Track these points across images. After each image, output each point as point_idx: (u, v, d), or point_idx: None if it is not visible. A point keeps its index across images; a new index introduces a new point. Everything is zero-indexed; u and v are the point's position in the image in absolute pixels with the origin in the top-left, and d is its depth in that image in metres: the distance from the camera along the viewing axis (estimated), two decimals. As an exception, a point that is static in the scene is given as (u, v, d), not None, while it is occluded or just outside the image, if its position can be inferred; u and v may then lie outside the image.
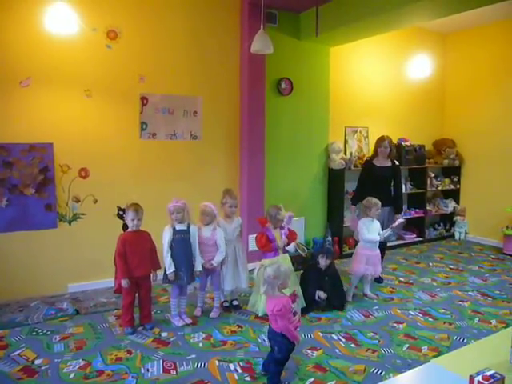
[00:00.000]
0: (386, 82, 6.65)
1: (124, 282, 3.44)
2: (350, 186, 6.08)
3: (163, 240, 3.66)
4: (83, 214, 4.46)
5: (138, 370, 3.00)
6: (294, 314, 2.84)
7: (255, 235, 4.16)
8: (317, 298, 4.01)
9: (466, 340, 3.50)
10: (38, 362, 3.09)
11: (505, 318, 3.96)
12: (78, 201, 4.42)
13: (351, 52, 6.15)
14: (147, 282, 3.61)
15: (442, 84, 7.32)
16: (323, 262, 4.03)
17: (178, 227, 3.68)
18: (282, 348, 2.77)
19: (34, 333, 3.54)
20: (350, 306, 4.22)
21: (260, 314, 3.90)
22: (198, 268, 3.76)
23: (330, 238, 4.13)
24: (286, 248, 4.05)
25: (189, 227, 3.72)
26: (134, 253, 3.48)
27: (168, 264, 3.62)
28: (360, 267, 4.33)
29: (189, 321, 3.78)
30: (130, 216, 3.49)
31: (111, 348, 3.30)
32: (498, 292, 4.65)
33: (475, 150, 6.91)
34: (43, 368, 3.00)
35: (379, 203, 4.39)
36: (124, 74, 4.53)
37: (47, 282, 4.31)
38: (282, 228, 4.02)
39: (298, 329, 2.86)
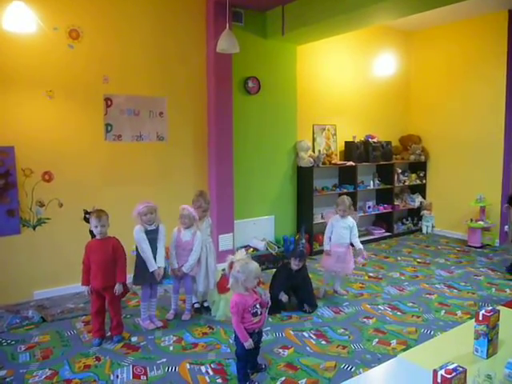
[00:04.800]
0: (353, 79, 6.72)
1: (84, 290, 3.38)
2: (319, 183, 6.14)
3: (138, 241, 3.57)
4: (48, 219, 4.33)
5: (107, 377, 2.94)
6: (254, 314, 2.78)
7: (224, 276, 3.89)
8: (280, 297, 3.94)
9: (432, 332, 3.59)
10: (1, 373, 2.99)
11: (470, 309, 4.07)
12: (42, 205, 4.29)
13: (318, 50, 6.19)
14: (109, 294, 3.39)
15: (408, 81, 7.46)
16: (295, 264, 3.98)
17: (149, 228, 3.62)
18: (238, 343, 2.81)
19: (-2, 343, 3.43)
20: (321, 302, 4.25)
21: (217, 319, 3.87)
22: (160, 264, 3.64)
23: (304, 241, 4.06)
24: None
25: (158, 227, 3.66)
26: (94, 262, 3.34)
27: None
28: (331, 263, 4.36)
29: (159, 324, 3.74)
30: (93, 223, 3.37)
31: (79, 355, 3.22)
32: (463, 284, 4.78)
33: (440, 145, 7.08)
34: (8, 380, 2.91)
35: (346, 203, 4.35)
36: (87, 74, 4.42)
37: (11, 290, 4.17)
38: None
39: (256, 329, 2.83)
